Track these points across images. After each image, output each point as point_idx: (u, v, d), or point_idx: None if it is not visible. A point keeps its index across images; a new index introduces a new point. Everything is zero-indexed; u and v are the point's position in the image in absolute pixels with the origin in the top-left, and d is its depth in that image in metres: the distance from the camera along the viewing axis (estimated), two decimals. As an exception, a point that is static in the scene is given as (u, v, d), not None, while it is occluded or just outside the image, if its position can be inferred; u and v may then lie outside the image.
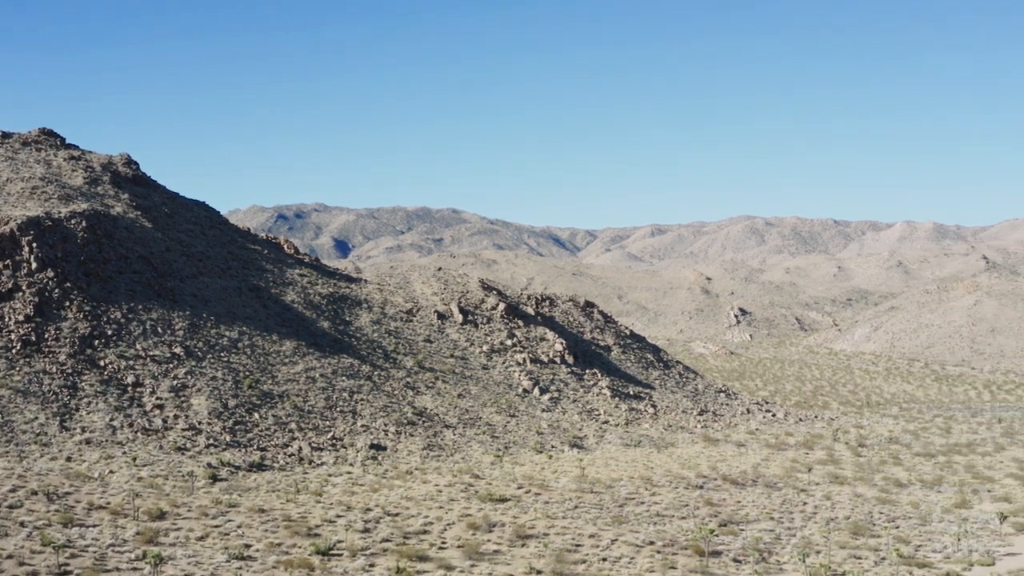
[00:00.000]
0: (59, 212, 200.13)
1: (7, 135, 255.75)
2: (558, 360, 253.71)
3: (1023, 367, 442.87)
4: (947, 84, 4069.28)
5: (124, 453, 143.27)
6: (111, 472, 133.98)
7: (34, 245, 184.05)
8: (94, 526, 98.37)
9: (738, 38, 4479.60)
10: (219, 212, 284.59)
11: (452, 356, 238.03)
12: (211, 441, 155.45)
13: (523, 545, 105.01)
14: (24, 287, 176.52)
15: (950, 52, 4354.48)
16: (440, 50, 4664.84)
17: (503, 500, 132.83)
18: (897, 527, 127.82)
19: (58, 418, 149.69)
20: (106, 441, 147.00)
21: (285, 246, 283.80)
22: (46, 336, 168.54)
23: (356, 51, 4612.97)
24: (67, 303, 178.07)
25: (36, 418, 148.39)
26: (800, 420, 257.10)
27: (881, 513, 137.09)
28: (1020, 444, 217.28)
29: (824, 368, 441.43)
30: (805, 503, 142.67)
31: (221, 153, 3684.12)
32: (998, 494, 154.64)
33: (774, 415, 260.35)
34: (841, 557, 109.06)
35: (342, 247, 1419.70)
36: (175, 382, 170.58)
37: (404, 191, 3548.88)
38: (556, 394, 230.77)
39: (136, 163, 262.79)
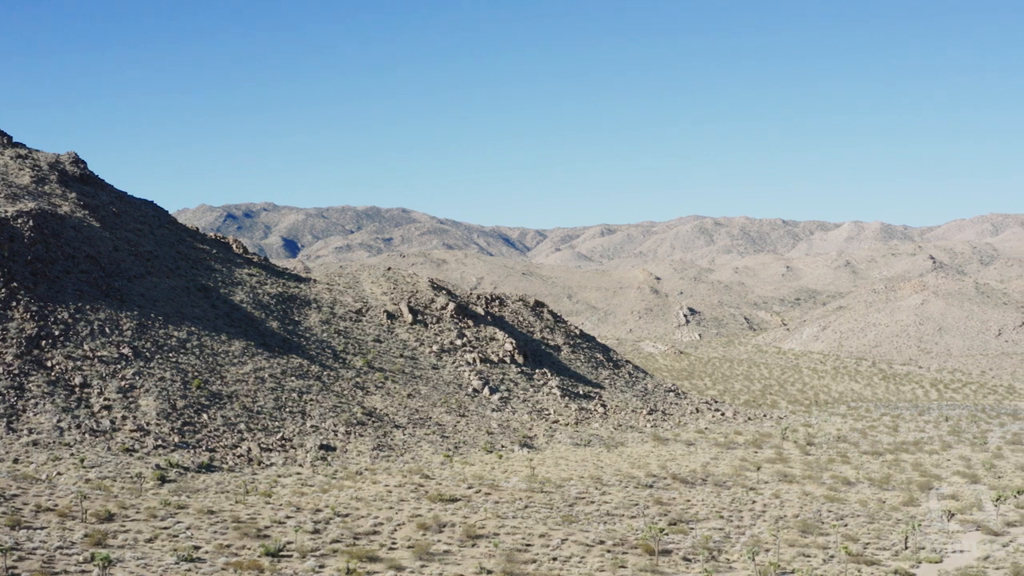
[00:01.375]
0: (5, 211, 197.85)
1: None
2: (508, 360, 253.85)
3: (969, 366, 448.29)
4: (894, 85, 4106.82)
5: (72, 455, 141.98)
6: (59, 474, 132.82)
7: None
8: (42, 528, 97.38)
9: (684, 39, 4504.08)
10: (167, 211, 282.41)
11: (402, 356, 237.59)
12: (159, 442, 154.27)
13: (473, 545, 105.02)
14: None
15: (896, 52, 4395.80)
16: (387, 51, 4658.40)
17: (453, 500, 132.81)
18: (846, 525, 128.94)
19: (4, 419, 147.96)
20: (53, 443, 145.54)
21: (234, 246, 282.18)
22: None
23: (305, 52, 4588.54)
24: (13, 303, 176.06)
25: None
26: (749, 419, 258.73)
27: (830, 511, 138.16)
28: (967, 442, 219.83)
29: (773, 367, 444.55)
30: (754, 501, 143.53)
31: (169, 152, 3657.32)
32: (945, 492, 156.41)
33: (723, 414, 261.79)
34: (790, 555, 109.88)
35: (291, 247, 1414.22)
36: (123, 383, 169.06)
37: (353, 191, 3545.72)
38: (506, 394, 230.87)
39: (84, 162, 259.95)
